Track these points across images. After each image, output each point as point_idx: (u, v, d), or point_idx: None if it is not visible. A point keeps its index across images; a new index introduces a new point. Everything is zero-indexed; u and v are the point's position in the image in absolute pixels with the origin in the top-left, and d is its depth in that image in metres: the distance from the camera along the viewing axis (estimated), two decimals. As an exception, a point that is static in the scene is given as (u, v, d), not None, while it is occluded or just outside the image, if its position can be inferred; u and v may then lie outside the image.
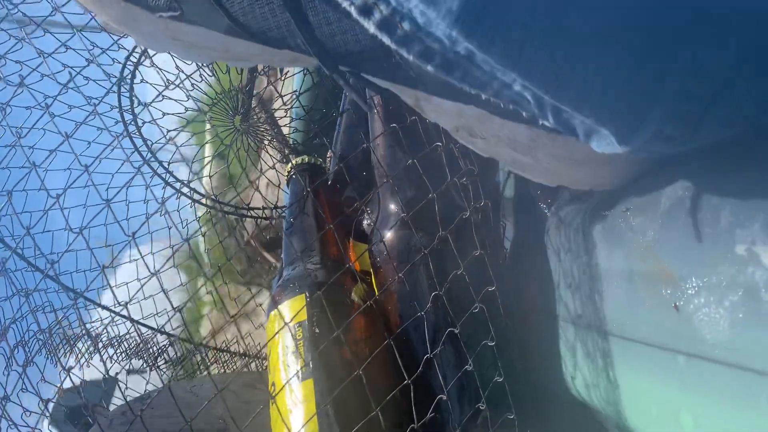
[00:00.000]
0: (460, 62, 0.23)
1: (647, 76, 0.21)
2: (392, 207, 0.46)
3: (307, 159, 0.55)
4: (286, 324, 0.40)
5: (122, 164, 0.70)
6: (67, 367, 0.40)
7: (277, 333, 0.41)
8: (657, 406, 0.31)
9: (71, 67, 0.58)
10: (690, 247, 0.27)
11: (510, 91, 0.25)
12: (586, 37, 0.20)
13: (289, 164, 0.56)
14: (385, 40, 0.24)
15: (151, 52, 0.66)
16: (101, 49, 0.63)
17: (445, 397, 0.38)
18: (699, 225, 0.27)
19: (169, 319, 0.72)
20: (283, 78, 0.76)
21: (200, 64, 0.68)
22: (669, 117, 0.22)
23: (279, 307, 0.42)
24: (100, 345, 0.74)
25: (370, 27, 0.24)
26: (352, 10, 0.24)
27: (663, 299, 0.29)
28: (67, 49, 0.56)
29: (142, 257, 0.40)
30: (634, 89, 0.21)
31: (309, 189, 0.52)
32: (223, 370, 0.83)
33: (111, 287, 0.41)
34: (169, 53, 0.41)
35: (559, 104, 0.23)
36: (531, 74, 0.21)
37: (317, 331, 0.40)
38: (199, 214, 0.76)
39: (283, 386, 0.39)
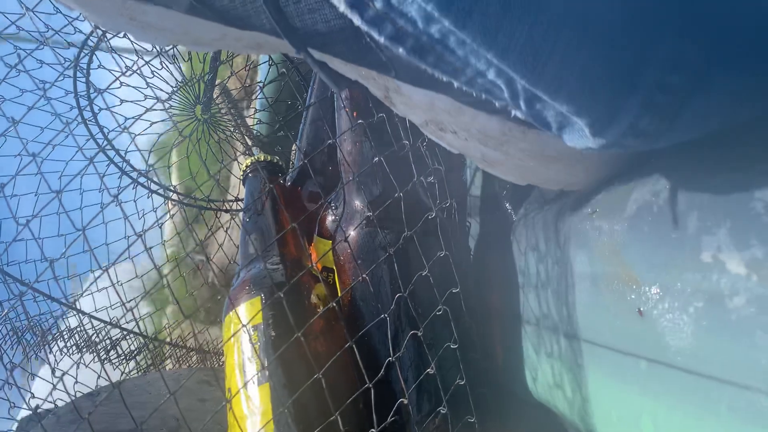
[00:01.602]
0: (433, 46, 0.22)
1: (625, 64, 0.21)
2: (358, 204, 0.45)
3: (263, 157, 0.54)
4: (242, 327, 0.39)
5: (76, 152, 0.68)
6: (10, 363, 0.38)
7: (231, 337, 0.40)
8: (618, 410, 0.31)
9: (22, 49, 0.56)
10: (656, 251, 0.27)
11: (483, 79, 0.24)
12: (565, 17, 0.20)
13: (244, 163, 0.54)
14: (355, 20, 0.23)
15: (109, 35, 0.63)
16: (55, 30, 0.61)
17: (405, 401, 0.37)
18: (665, 230, 0.26)
19: (124, 314, 0.70)
20: (247, 68, 0.74)
21: (160, 50, 0.65)
22: (645, 109, 0.22)
23: (236, 309, 0.41)
24: (50, 338, 0.71)
25: (340, 5, 0.23)
26: None
27: (627, 304, 0.29)
28: (19, 30, 0.53)
29: (92, 250, 0.38)
30: (612, 76, 0.21)
31: (268, 187, 0.50)
32: (178, 366, 0.81)
33: (56, 280, 0.39)
34: (126, 35, 0.39)
35: (534, 90, 0.22)
36: (507, 54, 0.21)
37: (273, 334, 0.39)
38: (157, 204, 0.74)
39: (238, 391, 0.37)
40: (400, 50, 0.24)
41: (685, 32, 0.20)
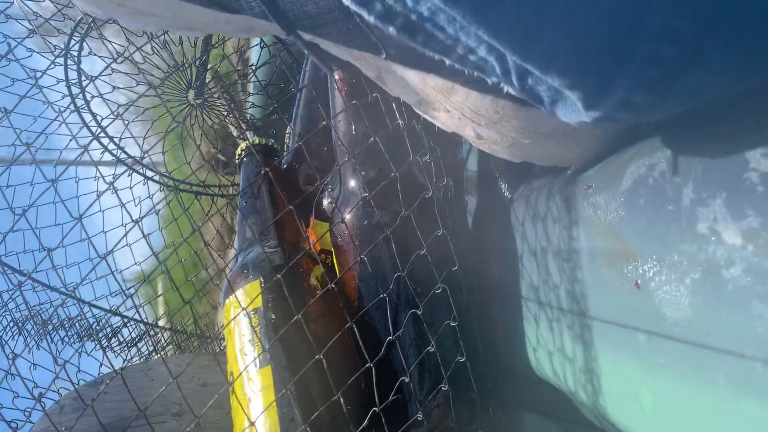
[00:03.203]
0: (423, 24, 0.22)
1: (617, 36, 0.21)
2: (354, 185, 0.45)
3: (257, 140, 0.54)
4: (243, 309, 0.39)
5: (70, 141, 0.67)
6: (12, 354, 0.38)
7: (231, 320, 0.40)
8: (618, 383, 0.31)
9: (13, 38, 0.55)
10: (652, 224, 0.27)
11: (475, 56, 0.24)
12: None
13: (240, 147, 0.54)
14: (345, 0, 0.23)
15: (99, 22, 0.62)
16: (45, 18, 0.60)
17: (407, 379, 0.38)
18: (661, 202, 0.27)
19: (123, 301, 0.70)
20: (239, 51, 0.74)
21: (151, 35, 0.65)
22: (637, 83, 0.21)
23: (235, 293, 0.41)
24: (50, 327, 0.71)
25: None
26: None
27: (624, 277, 0.29)
28: (7, 18, 0.53)
29: (89, 239, 0.38)
30: (603, 50, 0.21)
31: (263, 171, 0.50)
32: (180, 351, 0.82)
33: (56, 269, 0.39)
34: (116, 22, 0.38)
35: (525, 65, 0.22)
36: (498, 30, 0.20)
37: (273, 317, 0.39)
38: (153, 191, 0.74)
39: (240, 374, 0.38)
40: (390, 29, 0.24)
41: (677, 5, 0.20)
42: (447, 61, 0.26)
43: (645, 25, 0.20)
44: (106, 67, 0.59)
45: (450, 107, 0.32)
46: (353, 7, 0.23)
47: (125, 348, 0.78)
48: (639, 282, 0.28)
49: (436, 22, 0.21)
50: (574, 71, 0.21)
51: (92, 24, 0.63)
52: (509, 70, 0.23)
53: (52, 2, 0.60)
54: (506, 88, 0.25)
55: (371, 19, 0.23)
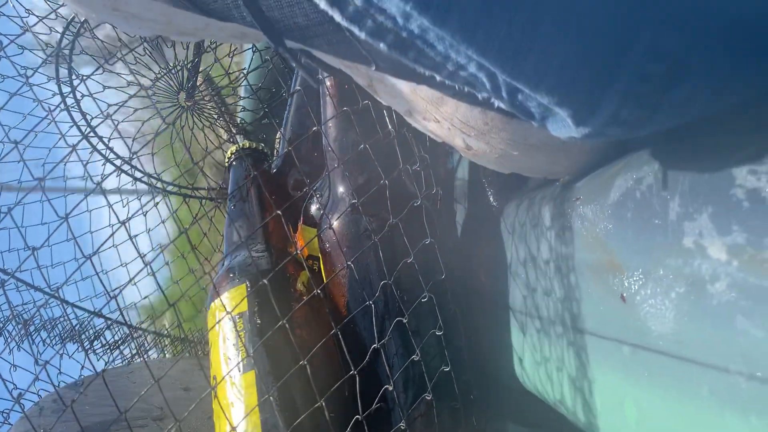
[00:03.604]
0: (413, 41, 0.22)
1: (605, 55, 0.21)
2: (342, 192, 0.45)
3: (247, 144, 0.54)
4: (227, 313, 0.39)
5: (59, 139, 0.67)
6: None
7: (216, 324, 0.40)
8: (602, 395, 0.31)
9: (4, 35, 0.55)
10: (638, 238, 0.27)
11: (465, 73, 0.24)
12: (544, 10, 0.20)
13: (229, 150, 0.54)
14: (336, 16, 0.23)
15: (92, 22, 0.62)
16: (37, 16, 0.60)
17: (390, 388, 0.37)
18: (648, 216, 0.27)
19: (106, 303, 0.70)
20: (231, 55, 0.74)
21: (143, 38, 0.64)
22: (626, 99, 0.22)
23: (220, 296, 0.41)
24: (32, 329, 0.70)
25: (320, 2, 0.23)
26: None
27: (610, 290, 0.29)
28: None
29: (75, 239, 0.38)
30: (591, 68, 0.21)
31: (252, 175, 0.50)
32: (163, 355, 0.81)
33: (40, 268, 0.38)
34: (110, 24, 0.38)
35: (515, 83, 0.22)
36: (487, 50, 0.21)
37: (258, 322, 0.39)
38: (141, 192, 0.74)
39: (223, 378, 0.37)
40: (381, 45, 0.24)
41: (664, 22, 0.20)
42: (438, 77, 0.26)
43: (633, 44, 0.20)
44: (98, 68, 0.59)
45: (440, 117, 0.32)
46: (345, 23, 0.23)
47: (108, 350, 0.77)
48: (625, 295, 0.28)
49: (426, 40, 0.21)
50: (564, 89, 0.22)
51: (84, 24, 0.63)
52: (499, 87, 0.23)
53: (47, 2, 0.60)
54: (497, 103, 0.25)
55: (363, 35, 0.23)
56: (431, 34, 0.21)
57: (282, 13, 0.27)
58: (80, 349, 0.73)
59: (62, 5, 0.59)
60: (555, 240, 0.35)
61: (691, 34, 0.20)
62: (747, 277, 0.21)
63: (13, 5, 0.55)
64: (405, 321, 0.38)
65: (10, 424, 0.46)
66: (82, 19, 0.62)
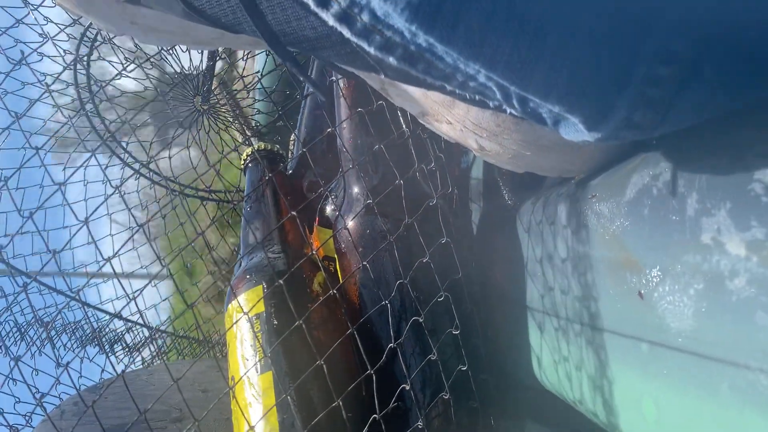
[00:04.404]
0: (422, 54, 0.22)
1: (615, 61, 0.21)
2: (357, 192, 0.45)
3: (263, 146, 0.54)
4: (244, 314, 0.39)
5: (78, 144, 0.68)
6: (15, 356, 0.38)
7: (233, 325, 0.40)
8: (620, 393, 0.31)
9: (25, 43, 0.56)
10: (655, 234, 0.27)
11: (475, 83, 0.24)
12: (550, 23, 0.20)
13: (245, 152, 0.54)
14: (345, 32, 0.23)
15: (111, 34, 0.63)
16: (56, 24, 0.61)
17: (408, 387, 0.37)
18: (665, 213, 0.26)
19: (126, 305, 0.70)
20: (245, 58, 0.74)
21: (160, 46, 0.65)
22: (637, 103, 0.22)
23: (237, 298, 0.41)
24: (53, 333, 0.71)
25: (329, 19, 0.23)
26: (309, 2, 0.23)
27: (627, 287, 0.29)
28: (20, 24, 0.53)
29: (95, 242, 0.39)
30: (601, 76, 0.21)
31: (268, 177, 0.50)
32: (182, 357, 0.82)
33: (62, 273, 0.39)
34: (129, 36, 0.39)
35: (525, 94, 0.22)
36: (495, 64, 0.21)
37: (275, 322, 0.39)
38: (160, 195, 0.74)
39: (240, 378, 0.38)
40: (390, 59, 0.24)
41: (673, 26, 0.20)
42: (448, 87, 0.26)
43: (643, 49, 0.20)
44: (116, 75, 0.59)
45: (452, 119, 0.32)
46: (354, 39, 0.23)
47: (128, 353, 0.78)
48: (642, 292, 0.28)
49: (434, 53, 0.22)
50: (574, 98, 0.22)
51: (101, 32, 0.64)
52: (510, 96, 0.23)
53: (68, 13, 0.61)
54: (508, 110, 0.25)
55: (372, 50, 0.24)
56: (439, 48, 0.21)
57: (290, 28, 0.27)
58: (101, 352, 0.74)
59: (81, 17, 0.60)
60: (571, 238, 0.35)
61: (703, 39, 0.20)
62: (766, 273, 0.21)
63: (35, 16, 0.56)
64: (421, 320, 0.38)
65: (32, 426, 0.47)
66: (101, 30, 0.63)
